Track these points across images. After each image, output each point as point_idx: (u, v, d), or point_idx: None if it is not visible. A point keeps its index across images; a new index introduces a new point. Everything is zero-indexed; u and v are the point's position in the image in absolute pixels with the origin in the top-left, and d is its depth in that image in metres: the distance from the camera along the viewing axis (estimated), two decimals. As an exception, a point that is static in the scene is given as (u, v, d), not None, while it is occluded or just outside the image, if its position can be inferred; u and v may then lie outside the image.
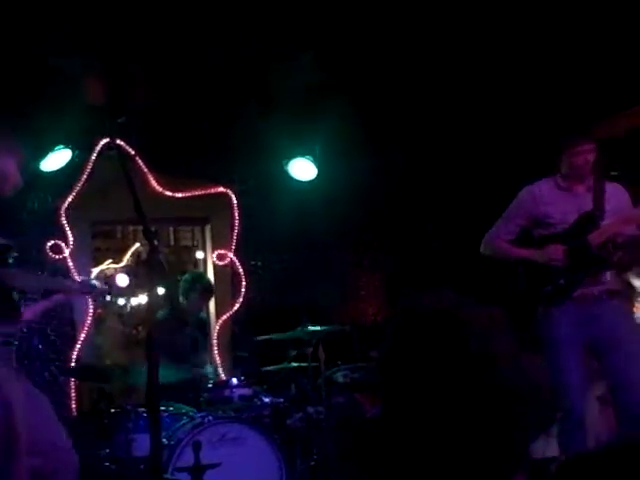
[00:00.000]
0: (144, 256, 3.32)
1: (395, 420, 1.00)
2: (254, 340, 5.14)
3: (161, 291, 6.03)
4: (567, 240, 3.96)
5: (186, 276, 5.58)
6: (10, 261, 3.14)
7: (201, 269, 6.53)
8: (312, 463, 4.53)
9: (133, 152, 5.72)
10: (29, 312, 3.45)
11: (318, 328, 4.72)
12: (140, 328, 7.48)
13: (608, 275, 3.97)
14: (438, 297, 1.06)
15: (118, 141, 5.36)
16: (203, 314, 5.84)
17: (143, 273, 3.54)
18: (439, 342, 0.99)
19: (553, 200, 4.04)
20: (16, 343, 3.22)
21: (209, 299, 5.76)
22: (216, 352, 5.85)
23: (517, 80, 5.47)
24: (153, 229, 3.17)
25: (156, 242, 2.86)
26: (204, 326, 5.66)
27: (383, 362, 1.03)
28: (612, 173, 4.90)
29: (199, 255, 6.81)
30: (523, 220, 4.12)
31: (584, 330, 3.85)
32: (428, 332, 1.00)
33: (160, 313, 5.19)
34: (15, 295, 3.20)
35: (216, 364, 5.76)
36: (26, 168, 5.20)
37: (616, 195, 4.05)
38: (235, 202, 6.16)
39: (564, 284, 3.92)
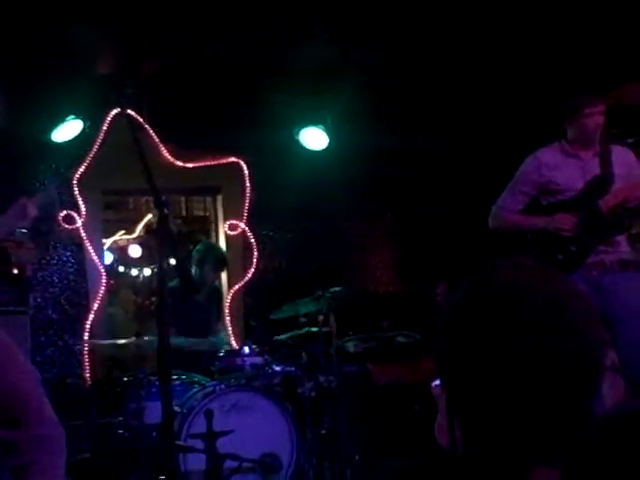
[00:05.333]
0: (155, 226, 3.32)
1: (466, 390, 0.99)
2: (265, 310, 5.16)
3: (172, 261, 6.08)
4: (577, 206, 3.90)
5: (199, 247, 5.56)
6: None
7: (213, 239, 6.54)
8: (323, 432, 4.56)
9: (144, 122, 5.71)
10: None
11: (333, 290, 4.70)
12: (153, 298, 7.53)
13: (622, 244, 3.93)
14: (514, 263, 1.05)
15: (129, 111, 5.36)
16: (216, 283, 5.86)
17: (153, 243, 3.55)
18: (513, 312, 0.97)
19: (559, 166, 3.97)
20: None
21: (222, 270, 5.77)
22: (228, 321, 5.89)
23: (528, 47, 5.39)
24: (164, 199, 3.15)
25: (166, 211, 2.86)
26: (217, 295, 5.67)
27: (458, 326, 1.01)
28: (628, 140, 4.85)
29: (211, 226, 6.82)
30: (529, 188, 4.04)
31: (596, 299, 3.83)
32: (504, 302, 0.98)
33: (171, 283, 5.22)
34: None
35: (228, 333, 5.80)
36: (37, 138, 5.26)
37: (623, 158, 3.98)
38: (246, 172, 6.15)
39: (576, 251, 3.87)
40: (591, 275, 3.83)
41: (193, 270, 5.30)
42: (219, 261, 5.45)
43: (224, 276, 6.19)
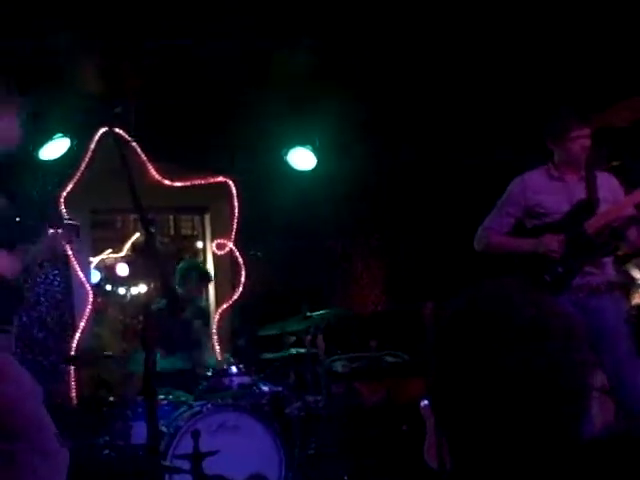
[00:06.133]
0: (142, 245, 3.32)
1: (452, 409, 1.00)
2: (253, 329, 5.14)
3: (158, 280, 6.04)
4: (563, 229, 3.92)
5: (181, 264, 5.56)
6: None
7: (201, 258, 6.53)
8: (311, 452, 4.54)
9: (132, 141, 5.71)
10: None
11: (321, 312, 4.70)
12: (140, 317, 7.49)
13: (608, 266, 3.95)
14: (500, 285, 1.06)
15: (116, 130, 5.35)
16: (203, 302, 5.83)
17: (141, 262, 3.54)
18: (502, 329, 0.98)
19: (545, 189, 3.97)
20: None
21: (205, 285, 5.75)
22: (215, 341, 5.86)
23: (517, 67, 5.44)
24: (151, 218, 3.14)
25: (153, 230, 2.85)
26: (204, 315, 5.65)
27: (444, 347, 1.02)
28: (613, 163, 4.88)
29: (199, 245, 6.81)
30: (515, 211, 4.04)
31: (583, 320, 3.81)
32: (491, 320, 0.99)
33: (157, 303, 5.19)
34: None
35: (215, 353, 5.77)
36: (25, 156, 5.24)
37: (607, 184, 4.01)
38: (234, 191, 6.15)
39: (562, 272, 3.89)
40: (578, 297, 3.83)
41: (177, 288, 5.28)
42: (201, 276, 5.44)
43: (212, 295, 6.17)
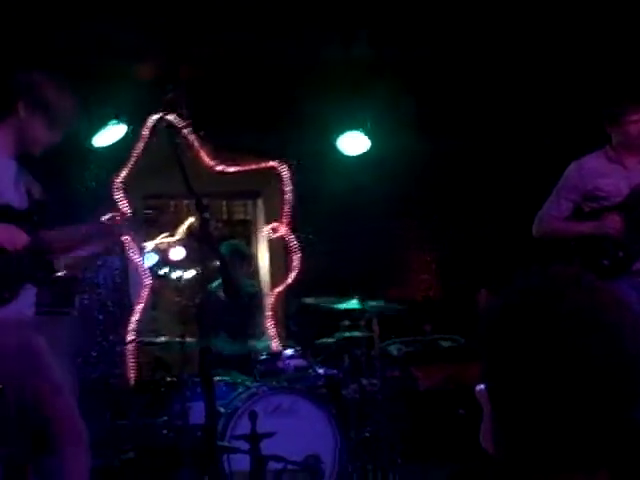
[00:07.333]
0: (197, 229, 3.35)
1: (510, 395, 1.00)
2: (307, 310, 5.16)
3: (213, 263, 6.09)
4: (622, 212, 3.85)
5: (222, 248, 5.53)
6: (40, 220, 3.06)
7: (254, 242, 6.58)
8: (366, 435, 4.55)
9: (185, 127, 5.77)
10: (62, 262, 3.30)
11: (373, 303, 4.69)
12: (196, 300, 7.58)
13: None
14: (551, 273, 1.05)
15: (170, 117, 5.41)
16: (253, 287, 5.87)
17: (195, 246, 3.58)
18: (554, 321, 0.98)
19: (603, 173, 3.91)
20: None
21: (246, 263, 5.68)
22: (270, 324, 5.91)
23: (572, 50, 5.32)
24: (204, 203, 3.17)
25: (207, 215, 2.88)
26: (256, 298, 5.70)
27: (496, 339, 1.02)
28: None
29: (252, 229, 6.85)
30: (573, 195, 3.98)
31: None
32: (544, 310, 0.99)
33: (212, 285, 5.25)
34: (54, 255, 3.15)
35: (270, 336, 5.82)
36: (80, 143, 5.33)
37: None
38: (286, 176, 6.17)
39: (623, 256, 3.81)
40: (637, 281, 3.76)
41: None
42: (236, 255, 5.36)
43: (266, 279, 6.21)
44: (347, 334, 4.81)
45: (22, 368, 2.81)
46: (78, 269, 3.65)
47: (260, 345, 5.16)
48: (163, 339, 4.51)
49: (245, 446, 3.67)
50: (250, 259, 5.63)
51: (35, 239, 2.95)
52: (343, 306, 4.71)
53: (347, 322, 4.79)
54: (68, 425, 2.80)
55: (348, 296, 4.71)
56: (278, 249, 6.22)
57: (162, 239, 3.95)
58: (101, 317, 5.74)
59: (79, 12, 4.62)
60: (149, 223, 3.53)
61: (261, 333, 5.52)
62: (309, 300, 4.95)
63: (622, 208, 3.86)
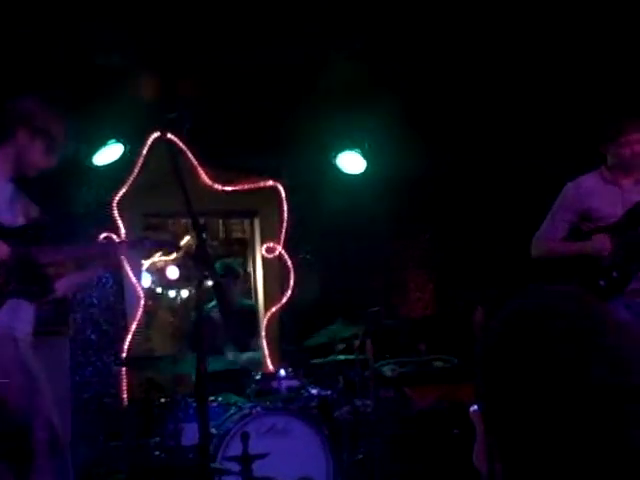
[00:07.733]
0: (193, 249, 3.35)
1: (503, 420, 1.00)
2: (302, 333, 5.15)
3: (209, 283, 6.09)
4: (617, 232, 3.87)
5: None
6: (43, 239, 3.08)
7: (250, 261, 6.58)
8: (360, 456, 4.53)
9: (184, 146, 5.79)
10: (61, 287, 3.33)
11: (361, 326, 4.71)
12: (191, 320, 7.58)
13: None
14: (548, 293, 1.05)
15: (169, 135, 5.43)
16: (248, 301, 5.89)
17: (191, 265, 3.58)
18: (554, 340, 0.98)
19: (598, 193, 3.94)
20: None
21: (240, 281, 5.70)
22: (264, 344, 5.89)
23: (565, 73, 5.36)
24: (202, 222, 3.18)
25: (204, 236, 2.89)
26: (252, 314, 5.70)
27: (492, 359, 1.02)
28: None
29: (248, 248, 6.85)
30: (569, 215, 4.00)
31: (638, 325, 3.75)
32: (544, 331, 0.99)
33: (207, 306, 5.24)
34: (50, 271, 3.16)
35: (264, 356, 5.80)
36: (79, 162, 5.35)
37: None
38: (284, 195, 6.19)
39: (617, 277, 3.83)
40: (633, 302, 3.78)
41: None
42: (227, 272, 5.39)
43: (261, 299, 6.21)
44: (342, 357, 4.80)
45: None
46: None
47: (253, 358, 5.18)
48: (156, 358, 4.49)
49: (237, 467, 3.66)
50: (233, 276, 5.63)
51: (24, 252, 2.95)
52: (340, 335, 4.73)
53: (341, 345, 4.79)
54: (42, 439, 2.83)
55: (345, 314, 4.71)
56: (274, 269, 6.22)
57: (158, 258, 3.94)
58: (94, 337, 5.72)
59: (77, 32, 4.65)
60: (153, 251, 3.54)
61: (254, 349, 5.53)
62: (310, 342, 4.95)
63: (616, 229, 3.88)
